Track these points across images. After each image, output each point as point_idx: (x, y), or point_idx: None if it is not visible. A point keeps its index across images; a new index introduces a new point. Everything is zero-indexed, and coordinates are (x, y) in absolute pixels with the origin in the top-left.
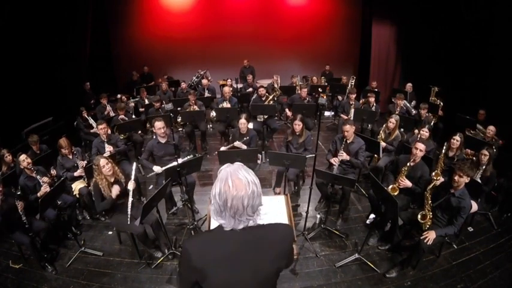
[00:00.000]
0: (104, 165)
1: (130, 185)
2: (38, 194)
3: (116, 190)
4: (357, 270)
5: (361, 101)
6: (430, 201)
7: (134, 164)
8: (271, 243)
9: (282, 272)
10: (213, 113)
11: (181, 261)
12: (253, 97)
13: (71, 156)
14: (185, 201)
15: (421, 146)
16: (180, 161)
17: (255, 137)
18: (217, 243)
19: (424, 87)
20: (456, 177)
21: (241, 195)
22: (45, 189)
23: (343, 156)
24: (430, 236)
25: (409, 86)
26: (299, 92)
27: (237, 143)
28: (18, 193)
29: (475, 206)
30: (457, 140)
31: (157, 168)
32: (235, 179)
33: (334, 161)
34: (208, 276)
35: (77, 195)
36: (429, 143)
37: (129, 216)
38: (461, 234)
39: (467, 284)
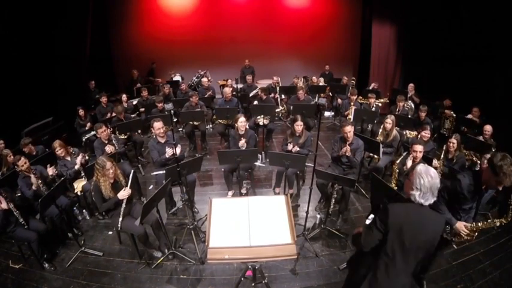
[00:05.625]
0: (109, 168)
1: (126, 193)
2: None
3: (122, 194)
4: None
5: (359, 98)
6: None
7: (132, 171)
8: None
9: (282, 273)
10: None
11: (381, 217)
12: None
13: (68, 158)
14: (185, 201)
15: (418, 147)
16: (178, 150)
17: (254, 137)
18: (415, 210)
19: (424, 88)
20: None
21: (437, 182)
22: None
23: (347, 151)
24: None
25: (410, 86)
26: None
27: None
28: (18, 194)
29: None
30: (453, 143)
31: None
32: (432, 173)
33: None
34: (401, 231)
35: (79, 193)
36: (429, 144)
37: (120, 224)
38: None
39: (467, 284)
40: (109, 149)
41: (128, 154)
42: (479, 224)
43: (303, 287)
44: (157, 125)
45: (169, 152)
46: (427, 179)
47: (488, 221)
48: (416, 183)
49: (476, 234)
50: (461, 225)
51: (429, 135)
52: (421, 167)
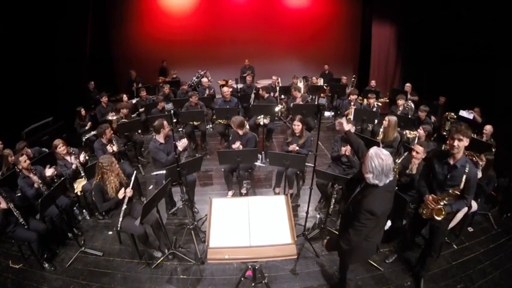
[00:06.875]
0: (116, 163)
1: (128, 193)
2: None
3: (123, 193)
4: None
5: (359, 99)
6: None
7: (134, 172)
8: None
9: (282, 273)
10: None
11: (372, 219)
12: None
13: (68, 158)
14: (185, 201)
15: (419, 148)
16: (178, 144)
17: (254, 137)
18: (384, 195)
19: (424, 88)
20: (456, 143)
21: (389, 163)
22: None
23: (347, 150)
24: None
25: (407, 86)
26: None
27: (291, 147)
28: (18, 194)
29: (474, 206)
30: None
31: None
32: (383, 156)
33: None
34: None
35: (79, 193)
36: (429, 144)
37: (119, 224)
38: (461, 234)
39: (467, 284)
40: (111, 148)
41: (127, 154)
42: (440, 195)
43: (303, 287)
44: (166, 123)
45: (184, 142)
46: (378, 161)
47: (450, 191)
48: (368, 167)
49: (444, 213)
50: (428, 197)
51: (425, 133)
52: (373, 150)
